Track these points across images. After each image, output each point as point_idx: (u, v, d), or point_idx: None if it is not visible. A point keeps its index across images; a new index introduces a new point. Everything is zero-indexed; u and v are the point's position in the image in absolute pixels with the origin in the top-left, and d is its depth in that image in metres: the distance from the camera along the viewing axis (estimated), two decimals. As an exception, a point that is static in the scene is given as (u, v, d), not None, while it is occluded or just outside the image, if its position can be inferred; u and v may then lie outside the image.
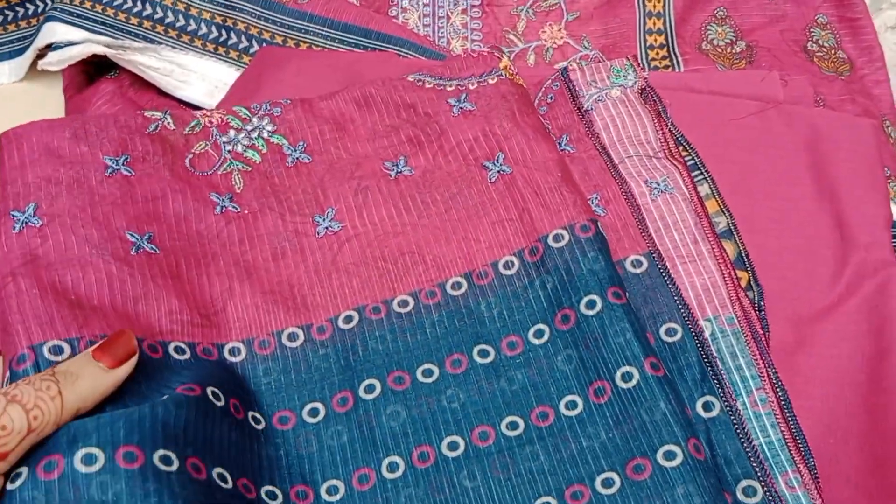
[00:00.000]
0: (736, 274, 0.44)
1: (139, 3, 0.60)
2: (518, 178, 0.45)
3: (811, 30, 0.61)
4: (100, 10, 0.60)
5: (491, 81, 0.49)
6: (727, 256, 0.45)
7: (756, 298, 0.44)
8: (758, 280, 0.44)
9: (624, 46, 0.60)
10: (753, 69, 0.58)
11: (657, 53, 0.60)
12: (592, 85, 0.52)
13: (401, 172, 0.46)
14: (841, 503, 0.40)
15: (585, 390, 0.39)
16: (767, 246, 0.47)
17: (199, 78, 0.58)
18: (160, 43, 0.60)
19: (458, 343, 0.41)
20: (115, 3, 0.60)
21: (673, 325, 0.42)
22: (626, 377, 0.38)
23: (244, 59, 0.60)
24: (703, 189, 0.48)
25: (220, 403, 0.36)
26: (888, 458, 0.40)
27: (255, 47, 0.60)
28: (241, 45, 0.60)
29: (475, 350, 0.41)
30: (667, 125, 0.49)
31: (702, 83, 0.55)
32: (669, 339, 0.42)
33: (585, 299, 0.41)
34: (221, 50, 0.60)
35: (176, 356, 0.39)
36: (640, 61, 0.60)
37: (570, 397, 0.39)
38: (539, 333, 0.41)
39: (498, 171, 0.46)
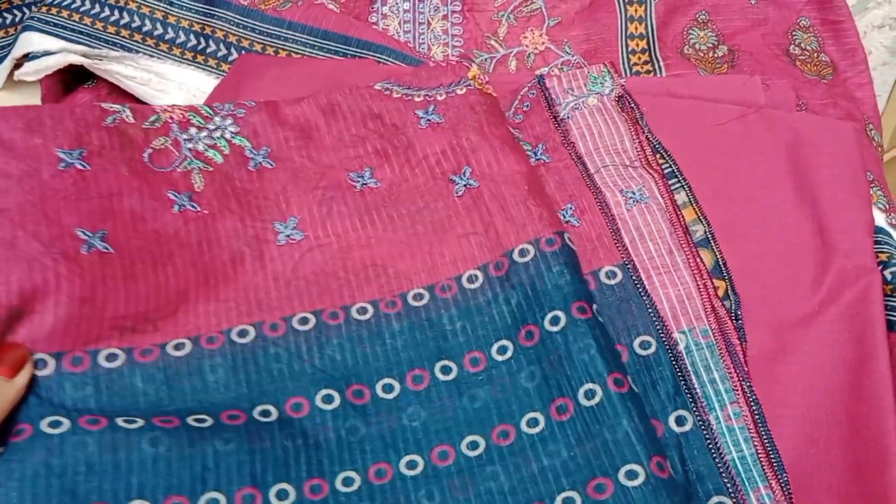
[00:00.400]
0: (713, 283, 0.44)
1: (116, 12, 0.60)
2: (485, 192, 0.45)
3: (793, 33, 0.60)
4: (77, 20, 0.60)
5: (459, 92, 0.48)
6: (703, 266, 0.44)
7: (733, 307, 0.43)
8: (735, 289, 0.44)
9: (606, 51, 0.60)
10: (735, 73, 0.58)
11: (639, 58, 0.59)
12: (569, 93, 0.52)
13: (366, 184, 0.46)
14: (821, 511, 0.39)
15: (548, 408, 0.38)
16: (748, 252, 0.47)
17: (177, 87, 0.58)
18: (138, 51, 0.59)
19: (419, 358, 0.41)
20: (92, 12, 0.60)
21: (647, 337, 0.42)
22: (589, 395, 0.38)
23: (223, 68, 0.59)
24: (681, 197, 0.47)
25: (135, 426, 0.35)
26: (869, 466, 0.39)
27: (234, 55, 0.59)
28: (219, 53, 0.60)
29: (437, 366, 0.40)
30: (644, 133, 0.49)
31: (683, 88, 0.55)
32: (643, 353, 0.41)
33: (550, 315, 0.40)
34: (200, 58, 0.60)
35: (106, 364, 0.37)
36: (621, 66, 0.59)
37: (531, 415, 0.39)
38: (502, 350, 0.41)
39: (465, 185, 0.45)
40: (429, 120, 0.47)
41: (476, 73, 0.50)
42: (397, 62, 0.58)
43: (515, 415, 0.39)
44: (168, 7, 0.60)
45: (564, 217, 0.46)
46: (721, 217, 0.48)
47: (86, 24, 0.60)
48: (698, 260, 0.45)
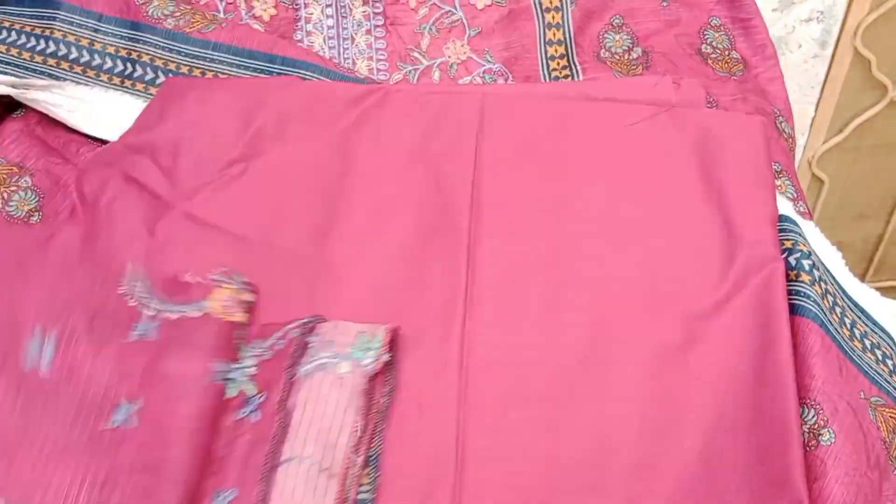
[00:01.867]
0: None
1: (42, 41, 0.61)
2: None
3: (705, 32, 0.62)
4: (3, 50, 0.61)
5: (192, 314, 0.45)
6: None
7: None
8: None
9: (526, 58, 0.62)
10: (649, 74, 0.59)
11: (558, 63, 0.61)
12: (328, 346, 0.44)
13: None
14: (729, 492, 0.41)
15: None
16: (659, 249, 0.48)
17: (105, 113, 0.59)
18: (66, 79, 0.60)
19: None
20: (19, 43, 0.61)
21: None
22: None
23: (151, 91, 0.60)
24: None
25: None
26: (771, 448, 0.41)
27: (162, 78, 0.60)
28: (146, 77, 0.61)
29: None
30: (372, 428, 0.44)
31: (598, 91, 0.57)
32: None
33: None
34: (128, 83, 0.61)
35: None
36: (541, 72, 0.61)
37: None
38: None
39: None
40: (141, 336, 0.45)
41: (220, 298, 0.46)
42: (323, 78, 0.59)
43: None
44: (93, 34, 0.61)
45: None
46: (634, 216, 0.50)
47: (13, 55, 0.61)
48: None
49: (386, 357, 0.44)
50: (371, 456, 0.43)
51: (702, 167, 0.51)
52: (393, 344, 0.45)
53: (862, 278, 1.13)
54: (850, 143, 0.93)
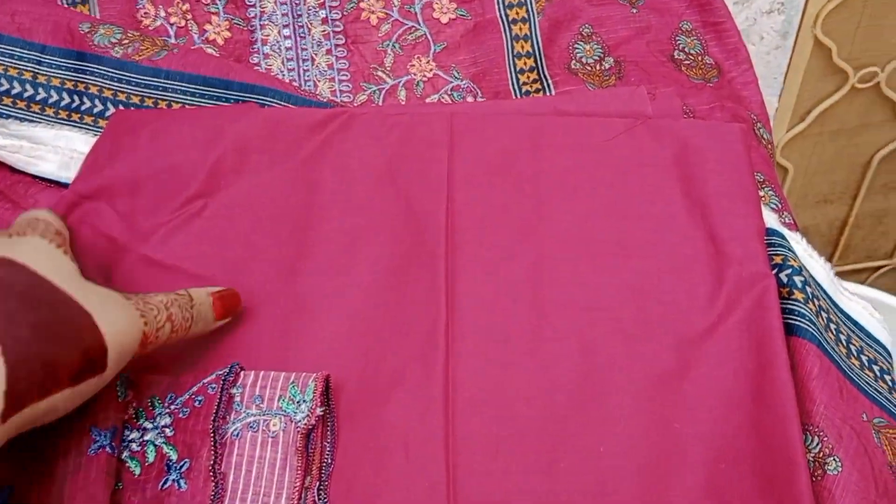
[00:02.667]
0: None
1: (-20, 77, 0.57)
2: None
3: (677, 38, 0.61)
4: (-63, 89, 0.57)
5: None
6: None
7: None
8: None
9: (494, 73, 0.59)
10: (623, 85, 0.58)
11: (528, 77, 0.59)
12: (255, 403, 0.41)
13: None
14: (736, 528, 0.39)
15: None
16: (643, 269, 0.46)
17: (51, 150, 0.55)
18: (8, 116, 0.56)
19: None
20: (-46, 80, 0.57)
21: None
22: None
23: (100, 124, 0.57)
24: None
25: None
26: (777, 477, 0.39)
27: (111, 110, 0.57)
28: (95, 110, 0.57)
29: None
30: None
31: (571, 105, 0.55)
32: None
33: None
34: (75, 116, 0.57)
35: None
36: (511, 87, 0.59)
37: None
38: None
39: None
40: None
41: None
42: (282, 103, 0.56)
43: None
44: (37, 67, 0.57)
45: None
46: (616, 237, 0.48)
47: (-51, 93, 0.57)
48: None
49: (320, 411, 0.41)
50: None
51: (683, 181, 0.49)
52: (326, 394, 0.42)
53: (829, 262, 1.14)
54: (812, 131, 0.95)
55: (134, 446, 0.40)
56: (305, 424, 0.40)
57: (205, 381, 0.41)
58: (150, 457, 0.39)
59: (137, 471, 0.39)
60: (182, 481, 0.39)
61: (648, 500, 0.40)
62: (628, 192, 0.49)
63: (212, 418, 0.40)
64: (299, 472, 0.40)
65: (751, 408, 0.42)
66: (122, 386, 0.40)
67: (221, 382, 0.41)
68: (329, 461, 0.42)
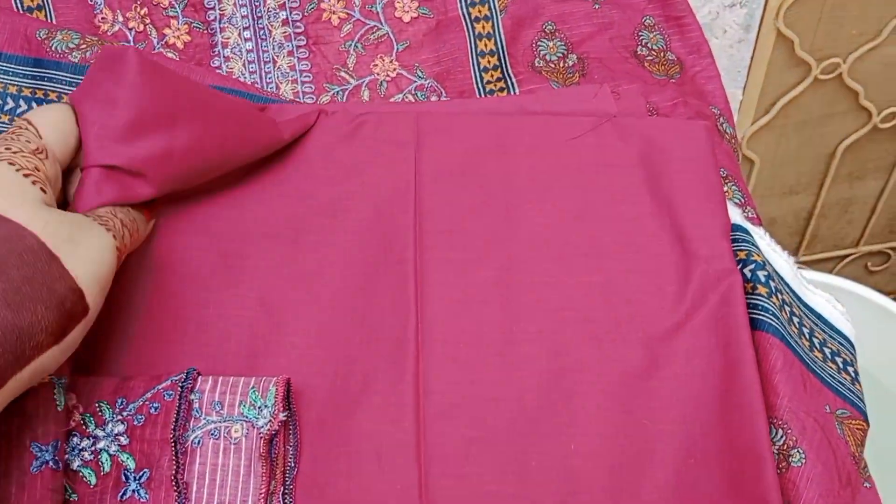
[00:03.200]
0: None
1: (-67, 86, 0.56)
2: None
3: (640, 33, 0.61)
4: None
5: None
6: None
7: None
8: None
9: (458, 72, 0.59)
10: (587, 82, 0.58)
11: (491, 76, 0.59)
12: (214, 409, 0.40)
13: None
14: (704, 524, 0.40)
15: None
16: (614, 270, 0.47)
17: (10, 160, 0.54)
18: (-37, 126, 0.55)
19: None
20: None
21: None
22: None
23: (59, 132, 0.56)
24: None
25: None
26: (744, 474, 0.40)
27: (71, 118, 0.56)
28: (54, 118, 0.56)
29: None
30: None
31: (536, 104, 0.55)
32: None
33: None
34: (33, 125, 0.56)
35: None
36: (475, 86, 0.59)
37: None
38: None
39: None
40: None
41: None
42: (246, 106, 0.55)
43: None
44: (-9, 74, 0.56)
45: None
46: (584, 237, 0.48)
47: None
48: None
49: (283, 416, 0.40)
50: None
51: (650, 181, 0.50)
52: (288, 398, 0.42)
53: (796, 252, 1.16)
54: (777, 122, 0.96)
55: (86, 455, 0.39)
56: (268, 430, 0.40)
57: (159, 386, 0.40)
58: (106, 466, 0.38)
59: (93, 480, 0.38)
60: (142, 491, 0.38)
61: (619, 497, 0.41)
62: (596, 192, 0.49)
63: (171, 427, 0.39)
64: (264, 478, 0.39)
65: (718, 406, 0.42)
66: (60, 394, 0.38)
67: (179, 389, 0.40)
68: (293, 465, 0.42)
